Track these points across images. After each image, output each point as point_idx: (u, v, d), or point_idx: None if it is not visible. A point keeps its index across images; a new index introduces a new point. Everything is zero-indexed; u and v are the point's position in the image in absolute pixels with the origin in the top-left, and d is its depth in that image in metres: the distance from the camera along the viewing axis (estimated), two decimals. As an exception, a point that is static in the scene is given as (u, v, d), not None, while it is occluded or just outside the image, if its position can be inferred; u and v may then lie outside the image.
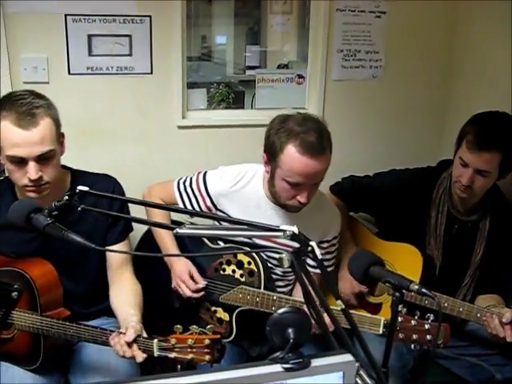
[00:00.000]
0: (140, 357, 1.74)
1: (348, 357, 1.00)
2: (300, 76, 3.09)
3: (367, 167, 2.69)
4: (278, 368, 0.96)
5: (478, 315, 2.14)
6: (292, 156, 1.98)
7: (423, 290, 1.50)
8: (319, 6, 2.95)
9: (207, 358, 1.67)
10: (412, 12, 3.04)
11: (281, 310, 0.99)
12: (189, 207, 2.27)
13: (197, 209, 2.26)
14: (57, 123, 1.92)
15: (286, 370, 0.95)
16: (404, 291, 1.54)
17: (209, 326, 1.71)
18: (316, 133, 1.99)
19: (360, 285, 2.34)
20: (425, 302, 2.20)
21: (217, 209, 2.26)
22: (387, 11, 3.01)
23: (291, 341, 0.96)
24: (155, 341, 1.74)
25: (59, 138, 1.94)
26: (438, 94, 3.23)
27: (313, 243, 1.23)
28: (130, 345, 1.75)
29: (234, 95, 3.49)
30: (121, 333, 1.79)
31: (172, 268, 2.24)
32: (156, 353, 1.73)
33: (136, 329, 1.79)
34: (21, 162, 1.84)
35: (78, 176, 2.10)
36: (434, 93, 3.22)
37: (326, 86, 3.02)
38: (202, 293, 2.21)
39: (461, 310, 2.16)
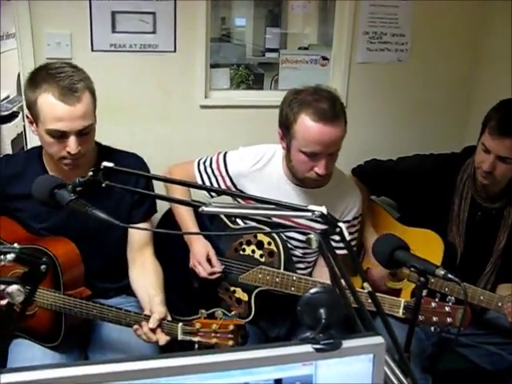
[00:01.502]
0: (163, 340, 1.75)
1: (379, 339, 0.98)
2: (324, 58, 3.06)
3: (390, 151, 2.66)
4: (308, 348, 0.94)
5: (499, 304, 2.12)
6: (306, 124, 1.98)
7: (449, 276, 1.48)
8: (345, -12, 2.90)
9: (230, 343, 1.68)
10: (439, -5, 2.98)
11: (313, 290, 0.98)
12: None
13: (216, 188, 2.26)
14: (94, 97, 1.92)
15: (317, 350, 0.94)
16: (429, 276, 1.53)
17: (233, 313, 1.71)
18: (329, 101, 1.99)
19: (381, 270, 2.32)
20: (445, 289, 2.18)
21: (236, 189, 2.26)
22: (414, -6, 2.96)
23: (323, 321, 0.95)
24: (180, 324, 1.75)
25: (95, 110, 1.94)
26: (464, 79, 3.18)
27: (341, 224, 1.22)
28: (154, 330, 1.75)
29: (253, 77, 3.47)
30: (145, 316, 1.79)
31: (191, 247, 2.24)
32: (180, 336, 1.74)
33: (160, 314, 1.79)
34: (61, 135, 1.85)
35: (106, 152, 2.09)
36: (459, 78, 3.17)
37: (351, 69, 2.99)
38: (217, 275, 2.21)
39: (481, 298, 2.14)
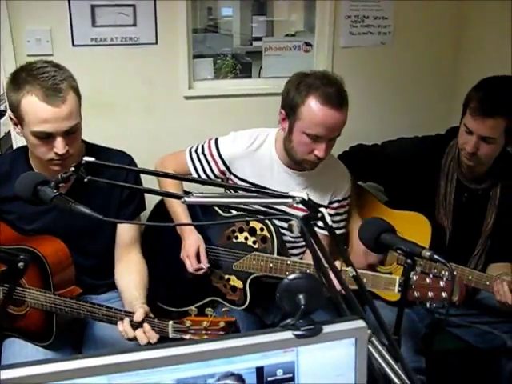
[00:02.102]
0: (154, 337, 1.74)
1: (360, 323, 0.98)
2: (307, 44, 3.05)
3: (376, 135, 2.66)
4: (289, 335, 0.94)
5: (488, 283, 2.13)
6: (313, 106, 2.02)
7: (435, 257, 1.49)
8: (326, -29, 2.89)
9: None
10: (421, -24, 2.97)
11: (291, 276, 0.98)
12: (201, 174, 2.29)
13: (210, 174, 2.27)
14: (79, 95, 1.90)
15: (298, 336, 0.94)
16: (416, 258, 1.54)
17: (223, 309, 1.71)
18: (336, 86, 2.05)
19: (371, 256, 2.33)
20: (434, 270, 2.19)
21: (230, 172, 2.27)
22: (396, -25, 2.95)
23: (302, 307, 0.95)
24: (170, 322, 1.74)
25: (80, 109, 1.92)
26: (448, 61, 3.17)
27: (323, 209, 1.21)
28: (138, 326, 1.75)
29: (241, 66, 3.45)
30: (129, 313, 1.79)
31: (183, 240, 2.24)
32: (171, 334, 1.74)
33: (145, 310, 1.79)
34: (47, 137, 1.83)
35: (93, 150, 2.07)
36: (443, 59, 3.17)
37: (334, 53, 2.99)
38: (202, 271, 2.20)
39: (470, 278, 2.15)
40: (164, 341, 1.76)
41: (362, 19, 2.97)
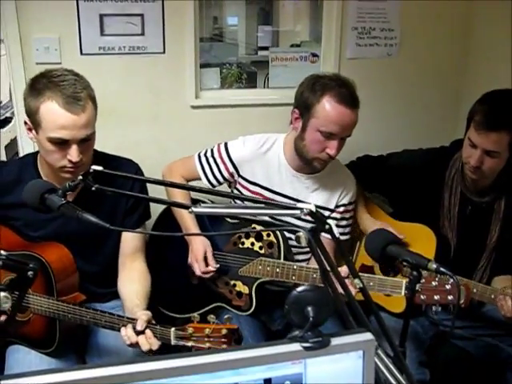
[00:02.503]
0: (156, 344, 1.74)
1: (368, 335, 0.98)
2: (314, 55, 3.06)
3: (381, 145, 2.67)
4: (297, 347, 0.94)
5: (492, 296, 2.12)
6: (329, 105, 2.10)
7: (442, 269, 1.49)
8: (333, -17, 2.90)
9: (224, 347, 1.67)
10: (428, -11, 2.98)
11: (300, 288, 0.98)
12: (211, 178, 2.33)
13: (218, 177, 2.32)
14: (95, 105, 1.92)
15: (306, 348, 0.94)
16: (421, 270, 1.54)
17: (226, 316, 1.71)
18: (349, 88, 2.14)
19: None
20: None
21: (239, 175, 2.31)
22: (403, -12, 2.96)
23: (310, 319, 0.95)
24: (172, 329, 1.74)
25: (96, 118, 1.94)
26: (454, 73, 3.18)
27: (330, 221, 1.22)
28: (140, 332, 1.75)
29: (246, 76, 3.47)
30: (132, 319, 1.79)
31: (190, 245, 2.27)
32: (173, 341, 1.74)
33: (147, 315, 1.79)
34: (63, 143, 1.84)
35: (102, 158, 2.08)
36: (449, 72, 3.17)
37: (341, 65, 2.99)
38: (210, 275, 2.23)
39: (475, 291, 2.14)
40: (166, 348, 1.76)
41: (369, 31, 2.98)
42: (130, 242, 2.11)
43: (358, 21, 2.95)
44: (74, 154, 1.84)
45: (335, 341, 0.96)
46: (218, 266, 2.23)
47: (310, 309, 0.96)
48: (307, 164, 2.22)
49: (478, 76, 3.07)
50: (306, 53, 3.07)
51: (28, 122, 1.90)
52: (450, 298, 1.85)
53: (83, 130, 1.84)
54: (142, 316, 1.78)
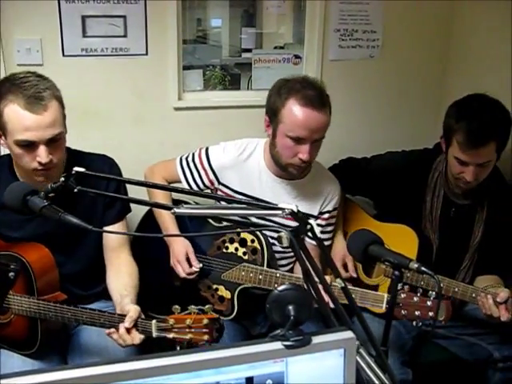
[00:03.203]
0: (138, 338, 1.74)
1: (349, 333, 0.99)
2: (297, 56, 3.07)
3: (366, 147, 2.68)
4: (278, 345, 0.95)
5: (473, 295, 2.13)
6: (293, 109, 2.05)
7: (423, 268, 1.50)
8: (316, -15, 2.91)
9: (206, 337, 1.67)
10: (410, -9, 3.00)
11: (280, 287, 0.99)
12: (191, 182, 2.31)
13: (199, 183, 2.30)
14: (62, 104, 1.91)
15: (287, 347, 0.94)
16: (403, 270, 1.55)
17: (207, 306, 1.71)
18: (316, 89, 2.08)
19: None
20: (421, 282, 2.20)
21: (219, 182, 2.29)
22: (385, -10, 2.98)
23: (291, 318, 0.96)
24: (153, 321, 1.74)
25: (65, 119, 1.93)
26: (436, 75, 3.20)
27: (312, 221, 1.23)
28: (129, 330, 1.74)
29: (229, 78, 3.47)
30: (119, 315, 1.79)
31: (171, 247, 2.25)
32: (154, 333, 1.73)
33: (135, 312, 1.78)
34: (30, 145, 1.83)
35: (75, 156, 2.08)
36: (431, 73, 3.20)
37: (323, 66, 3.00)
38: (195, 275, 2.22)
39: (456, 290, 2.15)
40: (148, 340, 1.76)
41: (351, 33, 2.99)
42: (114, 237, 2.11)
43: (340, 23, 2.96)
44: (42, 154, 1.83)
45: (316, 339, 0.97)
46: (201, 265, 2.22)
47: (291, 307, 0.97)
48: (284, 170, 2.19)
49: (460, 77, 3.10)
50: (289, 55, 3.08)
51: None
52: (430, 314, 1.86)
53: (49, 130, 1.82)
54: (131, 313, 1.77)
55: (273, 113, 2.12)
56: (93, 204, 2.06)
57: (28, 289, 1.87)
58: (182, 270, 2.21)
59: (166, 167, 2.38)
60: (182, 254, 2.21)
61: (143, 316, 1.80)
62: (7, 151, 1.99)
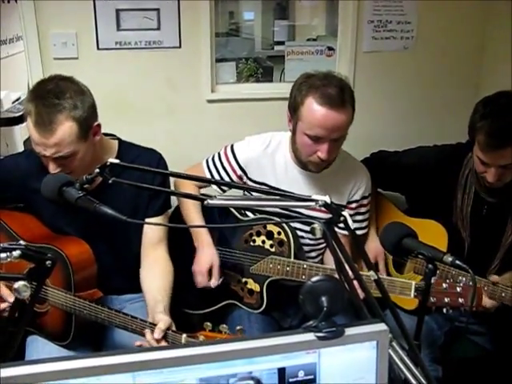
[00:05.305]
0: None
1: (382, 326, 0.99)
2: (330, 48, 3.06)
3: (397, 140, 2.65)
4: (311, 337, 0.95)
5: (503, 294, 2.08)
6: (311, 107, 2.01)
7: (457, 262, 1.48)
8: (349, -24, 2.89)
9: None
10: (445, -19, 2.96)
11: (314, 279, 0.99)
12: None
13: (227, 181, 2.27)
14: (81, 123, 1.86)
15: (320, 338, 0.95)
16: (437, 263, 1.53)
17: (238, 328, 1.71)
18: (337, 87, 2.01)
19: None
20: (450, 279, 2.15)
21: (247, 177, 2.28)
22: (420, -20, 2.94)
23: (324, 309, 0.96)
24: (184, 335, 1.76)
25: (85, 135, 1.89)
26: (471, 67, 3.15)
27: (345, 213, 1.22)
28: (158, 341, 1.76)
29: (262, 70, 3.47)
30: (150, 324, 1.80)
31: (197, 253, 2.22)
32: None
33: (165, 323, 1.79)
34: (43, 156, 1.89)
35: (125, 147, 2.11)
36: (466, 65, 3.14)
37: (357, 58, 2.98)
38: (212, 287, 2.18)
39: (486, 289, 2.09)
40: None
41: (385, 24, 2.96)
42: (154, 230, 2.11)
43: (374, 14, 2.94)
44: (50, 167, 1.88)
45: (349, 331, 0.97)
46: (219, 283, 2.18)
47: (324, 299, 0.97)
48: (306, 166, 2.17)
49: (495, 69, 3.05)
50: (322, 46, 3.07)
51: None
52: (460, 300, 1.83)
53: (54, 150, 1.84)
54: (161, 324, 1.77)
55: (293, 109, 2.09)
56: (138, 194, 2.07)
57: (66, 283, 1.91)
58: (199, 281, 2.18)
59: (193, 171, 2.33)
60: (205, 267, 2.16)
61: (174, 328, 1.81)
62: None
